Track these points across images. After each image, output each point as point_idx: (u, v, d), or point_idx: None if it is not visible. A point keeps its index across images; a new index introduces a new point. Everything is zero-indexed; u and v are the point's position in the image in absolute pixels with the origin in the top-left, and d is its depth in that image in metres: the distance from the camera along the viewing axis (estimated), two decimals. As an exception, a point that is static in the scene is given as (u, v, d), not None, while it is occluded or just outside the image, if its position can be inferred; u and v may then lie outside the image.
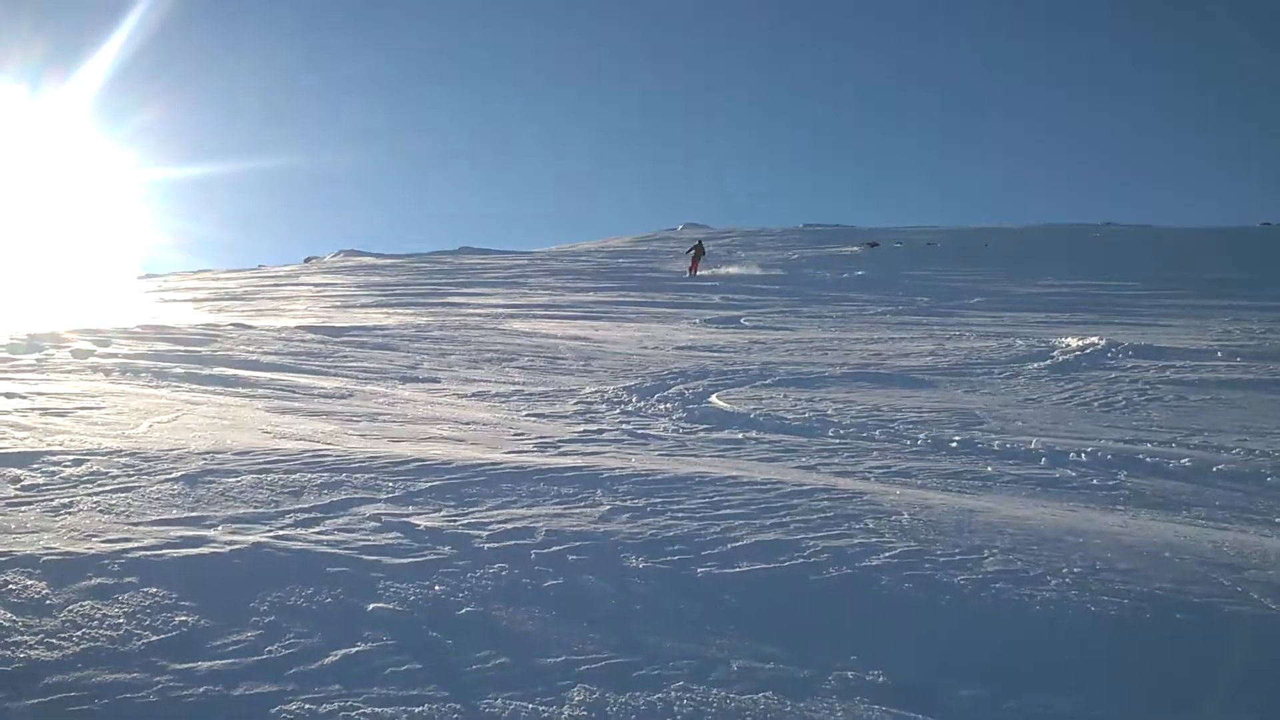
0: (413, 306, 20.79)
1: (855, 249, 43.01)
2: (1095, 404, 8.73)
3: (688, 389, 9.19)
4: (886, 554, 3.74)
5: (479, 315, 18.39)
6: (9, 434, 5.16)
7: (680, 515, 4.18)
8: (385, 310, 19.45)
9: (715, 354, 12.26)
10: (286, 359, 10.45)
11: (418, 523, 3.91)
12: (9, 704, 2.47)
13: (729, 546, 3.80)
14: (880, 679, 2.86)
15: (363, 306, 20.73)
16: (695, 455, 6.11)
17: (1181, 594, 3.47)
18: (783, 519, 4.15)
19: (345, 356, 10.99)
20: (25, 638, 2.79)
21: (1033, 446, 6.60)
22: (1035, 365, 10.91)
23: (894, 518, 4.21)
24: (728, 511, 4.24)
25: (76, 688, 2.56)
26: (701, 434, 7.02)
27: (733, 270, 32.46)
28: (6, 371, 7.95)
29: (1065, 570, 3.62)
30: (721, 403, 8.45)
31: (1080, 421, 7.91)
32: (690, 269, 30.91)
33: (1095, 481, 5.71)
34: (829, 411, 8.03)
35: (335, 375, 9.52)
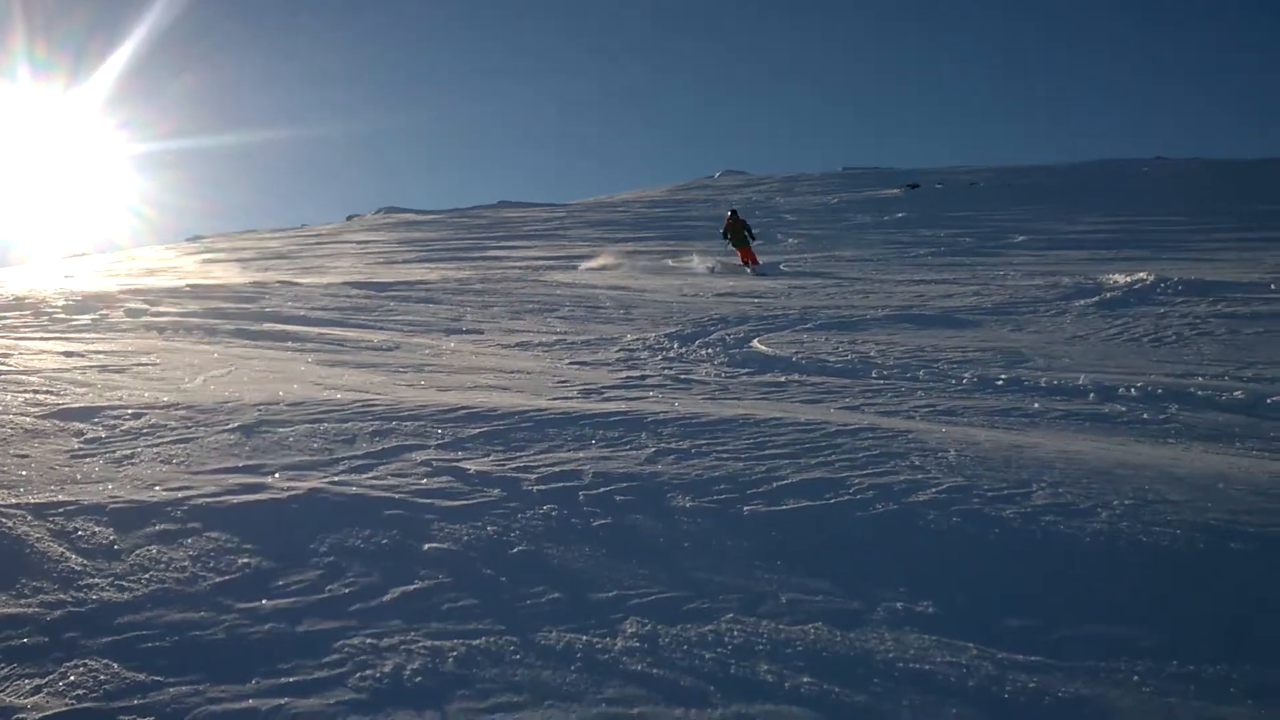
0: (454, 261, 20.90)
1: (896, 191, 42.39)
2: (1145, 339, 8.58)
3: (729, 334, 9.18)
4: (933, 489, 3.73)
5: (519, 268, 18.45)
6: (70, 390, 5.31)
7: (725, 456, 4.20)
8: (427, 265, 19.57)
9: (755, 300, 12.20)
10: (334, 314, 10.59)
11: (468, 467, 3.98)
12: (85, 642, 2.58)
13: (774, 485, 3.81)
14: (930, 609, 2.88)
15: (405, 262, 20.88)
16: (738, 398, 6.12)
17: (1236, 524, 3.43)
18: (828, 458, 4.16)
19: (390, 311, 11.11)
20: (97, 580, 2.90)
21: (1081, 383, 6.51)
22: (1082, 302, 10.73)
23: (940, 455, 4.20)
24: (772, 451, 4.26)
25: (147, 626, 2.66)
26: (744, 378, 7.03)
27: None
28: (65, 331, 8.15)
29: (1115, 503, 3.59)
30: (763, 347, 8.43)
31: (1129, 357, 7.78)
32: (748, 260, 19.22)
33: (1145, 416, 5.62)
34: (872, 353, 7.98)
35: (381, 329, 9.64)
